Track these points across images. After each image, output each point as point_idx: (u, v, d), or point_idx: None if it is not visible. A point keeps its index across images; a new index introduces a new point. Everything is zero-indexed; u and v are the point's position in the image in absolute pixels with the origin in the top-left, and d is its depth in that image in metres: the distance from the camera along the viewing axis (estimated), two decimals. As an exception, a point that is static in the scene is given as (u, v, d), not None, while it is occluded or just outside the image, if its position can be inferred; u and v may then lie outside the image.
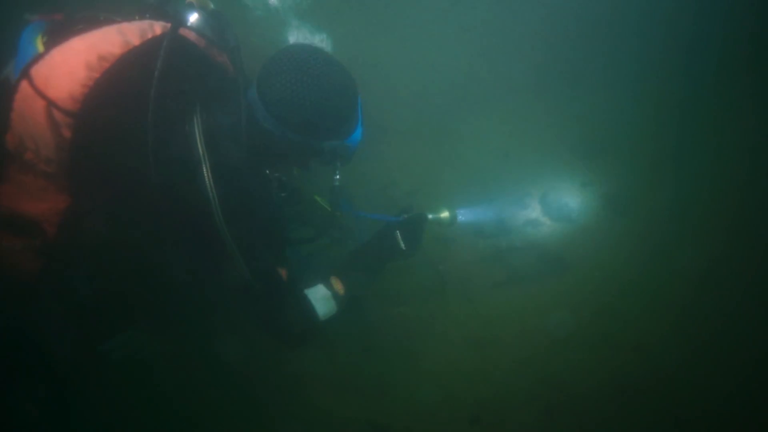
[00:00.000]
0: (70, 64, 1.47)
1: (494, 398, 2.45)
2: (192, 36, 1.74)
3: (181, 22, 1.69)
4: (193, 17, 1.77)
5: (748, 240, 2.84)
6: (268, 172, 1.85)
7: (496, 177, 3.24)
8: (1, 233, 1.55)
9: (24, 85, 1.44)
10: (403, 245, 2.15)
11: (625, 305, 2.73)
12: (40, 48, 1.61)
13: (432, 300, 2.70)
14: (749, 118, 3.00)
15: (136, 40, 1.58)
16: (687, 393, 2.45)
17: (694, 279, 2.80)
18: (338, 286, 2.00)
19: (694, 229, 2.91)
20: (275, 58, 1.67)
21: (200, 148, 1.55)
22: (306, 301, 1.89)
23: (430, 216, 2.35)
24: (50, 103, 1.43)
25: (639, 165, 3.10)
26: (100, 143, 1.50)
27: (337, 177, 1.95)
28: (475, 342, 2.60)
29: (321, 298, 1.93)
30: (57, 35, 1.61)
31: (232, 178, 1.60)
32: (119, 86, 1.50)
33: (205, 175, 1.53)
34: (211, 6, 1.83)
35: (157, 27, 1.68)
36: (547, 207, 2.98)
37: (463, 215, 2.49)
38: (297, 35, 1.89)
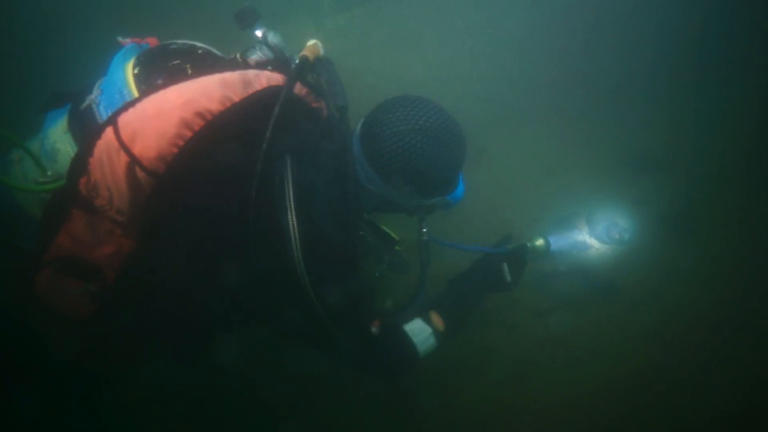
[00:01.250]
0: (162, 121, 1.36)
1: (540, 441, 2.22)
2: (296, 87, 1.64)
3: (294, 82, 1.56)
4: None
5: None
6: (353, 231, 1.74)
7: (538, 196, 3.03)
8: (59, 276, 1.47)
9: (109, 133, 1.34)
10: (509, 278, 2.04)
11: (686, 337, 2.46)
12: (129, 76, 1.54)
13: (469, 329, 2.50)
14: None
15: (237, 96, 1.47)
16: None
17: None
18: (438, 322, 1.88)
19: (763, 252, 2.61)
20: (386, 115, 1.55)
21: (291, 215, 1.39)
22: (406, 341, 1.79)
23: (527, 245, 2.23)
24: (134, 161, 1.33)
25: (699, 181, 2.83)
26: (182, 207, 1.42)
27: (425, 230, 1.82)
28: (516, 376, 2.38)
29: (420, 334, 1.83)
30: (150, 68, 1.55)
31: (322, 246, 1.46)
32: (213, 149, 1.39)
33: (293, 243, 1.38)
34: (321, 53, 1.70)
35: (263, 79, 1.56)
36: (594, 228, 2.74)
37: (555, 242, 2.34)
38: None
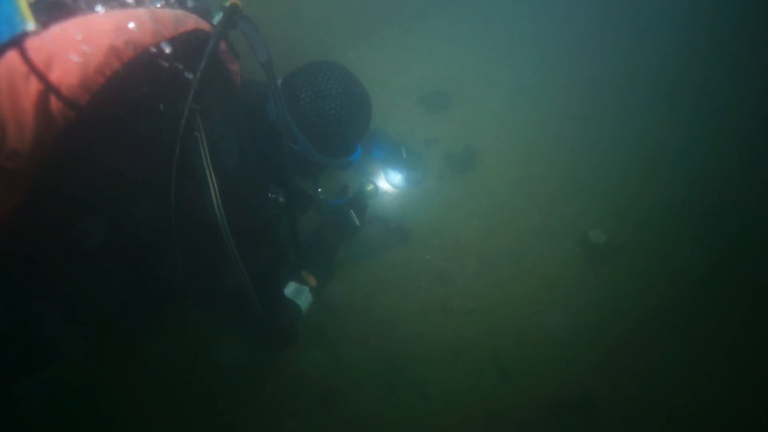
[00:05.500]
0: (89, 45, 1.18)
1: (340, 379, 2.52)
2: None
3: (226, 27, 1.48)
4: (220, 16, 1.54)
5: (589, 196, 3.03)
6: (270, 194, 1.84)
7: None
8: None
9: (12, 57, 1.10)
10: (357, 222, 2.36)
11: (458, 270, 2.86)
12: (23, 3, 1.22)
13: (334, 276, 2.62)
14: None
15: (168, 32, 1.33)
16: (512, 347, 2.70)
17: (530, 236, 2.98)
18: (311, 279, 2.09)
19: (533, 182, 3.04)
20: (316, 78, 1.65)
21: (209, 171, 1.38)
22: (292, 303, 1.97)
23: (364, 190, 2.56)
24: (50, 89, 1.12)
25: (481, 118, 3.07)
26: (100, 145, 1.27)
27: (320, 190, 2.13)
28: (317, 326, 2.59)
29: (301, 295, 2.03)
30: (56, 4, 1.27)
31: (240, 203, 1.50)
32: (140, 86, 1.29)
33: (214, 197, 1.39)
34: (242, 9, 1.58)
35: (190, 21, 1.43)
36: (388, 173, 2.92)
37: (379, 184, 2.73)
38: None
